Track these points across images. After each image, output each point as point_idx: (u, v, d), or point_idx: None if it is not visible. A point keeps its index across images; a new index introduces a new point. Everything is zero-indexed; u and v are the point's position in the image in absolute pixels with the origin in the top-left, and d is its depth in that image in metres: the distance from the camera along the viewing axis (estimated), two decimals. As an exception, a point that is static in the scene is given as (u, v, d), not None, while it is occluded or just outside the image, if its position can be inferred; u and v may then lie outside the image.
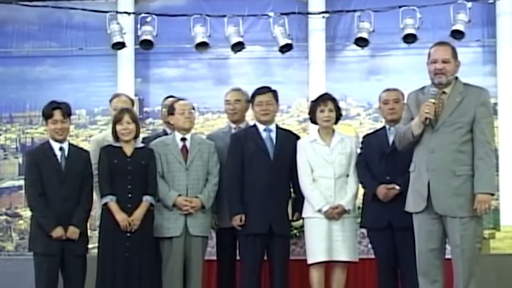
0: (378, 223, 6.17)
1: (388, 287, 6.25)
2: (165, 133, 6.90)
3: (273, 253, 6.34)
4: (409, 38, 9.45)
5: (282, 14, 9.67)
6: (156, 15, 9.76)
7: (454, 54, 5.50)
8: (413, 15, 9.40)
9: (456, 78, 5.52)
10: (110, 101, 7.14)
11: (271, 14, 9.69)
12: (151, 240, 6.31)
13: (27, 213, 7.94)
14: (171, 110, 6.59)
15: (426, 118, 5.37)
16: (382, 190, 6.12)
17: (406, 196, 5.64)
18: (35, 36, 10.36)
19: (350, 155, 6.31)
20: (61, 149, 6.26)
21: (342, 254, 6.19)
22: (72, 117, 6.47)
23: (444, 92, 5.45)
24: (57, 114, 6.23)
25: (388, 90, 6.46)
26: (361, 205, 6.44)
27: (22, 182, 8.50)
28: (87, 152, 6.50)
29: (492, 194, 5.40)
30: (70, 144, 6.37)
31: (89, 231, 6.39)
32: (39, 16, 10.28)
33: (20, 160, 10.27)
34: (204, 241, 6.51)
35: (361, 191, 6.37)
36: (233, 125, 6.82)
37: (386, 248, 6.17)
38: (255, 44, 10.01)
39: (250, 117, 6.88)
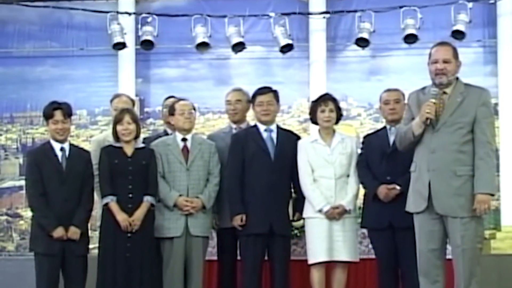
0: (379, 223, 6.17)
1: (388, 287, 6.25)
2: (166, 134, 6.90)
3: (274, 253, 6.34)
4: (410, 38, 9.45)
5: (282, 14, 9.68)
6: (157, 15, 9.76)
7: (455, 54, 5.50)
8: (414, 15, 9.40)
9: (457, 78, 5.52)
10: (111, 101, 7.15)
11: (272, 14, 9.69)
12: (152, 240, 6.31)
13: (28, 213, 7.94)
14: (171, 111, 6.59)
15: (427, 118, 5.37)
16: (382, 190, 6.12)
17: (406, 196, 5.64)
18: (36, 36, 10.36)
19: (351, 155, 6.31)
20: (62, 149, 6.26)
21: (343, 254, 6.19)
22: (72, 117, 6.47)
23: (445, 92, 5.45)
24: (58, 115, 6.23)
25: (388, 90, 6.46)
26: (361, 205, 6.45)
27: (23, 183, 8.51)
28: (88, 152, 6.50)
29: (492, 195, 5.40)
30: (71, 145, 6.37)
31: (89, 231, 6.39)
32: (40, 16, 10.28)
33: (21, 160, 10.27)
34: (205, 241, 6.52)
35: (362, 191, 6.37)
36: (234, 125, 6.82)
37: (387, 248, 6.17)
38: (255, 44, 10.01)
39: (251, 117, 6.88)
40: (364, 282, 7.27)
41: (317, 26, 9.97)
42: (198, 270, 6.42)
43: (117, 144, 6.36)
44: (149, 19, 9.70)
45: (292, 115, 10.18)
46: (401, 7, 9.44)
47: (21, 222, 10.20)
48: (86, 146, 7.45)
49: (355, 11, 9.67)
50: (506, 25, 9.76)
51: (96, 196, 6.43)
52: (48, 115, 6.27)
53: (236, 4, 9.94)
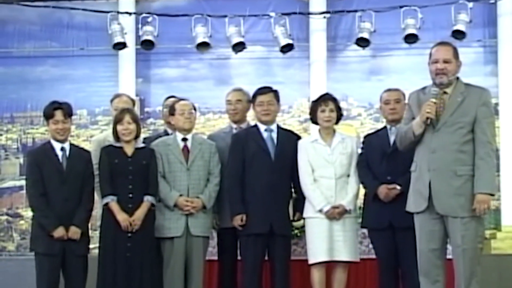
0: (379, 223, 6.17)
1: (389, 287, 6.25)
2: (166, 133, 6.90)
3: (274, 253, 6.34)
4: (410, 38, 9.45)
5: (283, 14, 9.67)
6: (157, 15, 9.76)
7: (455, 54, 5.50)
8: (414, 15, 9.40)
9: (458, 78, 5.53)
10: (111, 101, 7.15)
11: (272, 14, 9.69)
12: (152, 240, 6.31)
13: (28, 213, 7.94)
14: (171, 111, 6.59)
15: (427, 118, 5.37)
16: (383, 190, 6.12)
17: (407, 196, 5.64)
18: (36, 36, 10.36)
19: (351, 155, 6.30)
20: (62, 149, 6.26)
21: (343, 254, 6.19)
22: (73, 117, 6.48)
23: (445, 92, 5.45)
24: (58, 114, 6.23)
25: (389, 90, 6.46)
26: (362, 205, 6.45)
27: (23, 182, 8.50)
28: (88, 152, 6.50)
29: (492, 195, 5.40)
30: (71, 144, 6.37)
31: (90, 231, 6.39)
32: (40, 16, 10.28)
33: (21, 160, 10.27)
34: (205, 241, 6.52)
35: (362, 191, 6.37)
36: (234, 125, 6.82)
37: (387, 248, 6.17)
38: (256, 44, 10.01)
39: (251, 117, 6.88)
40: (364, 282, 7.28)
41: (318, 26, 9.97)
42: (199, 270, 6.42)
43: (117, 144, 6.36)
44: (150, 19, 9.70)
45: (292, 115, 10.17)
46: (401, 7, 9.44)
47: (22, 222, 10.20)
48: (86, 146, 7.46)
49: (356, 11, 9.67)
50: (507, 25, 9.75)
51: (96, 196, 6.42)
52: (48, 115, 6.27)
53: (237, 4, 9.94)
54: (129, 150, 6.34)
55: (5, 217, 10.29)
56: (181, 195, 6.38)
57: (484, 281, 5.45)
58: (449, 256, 5.54)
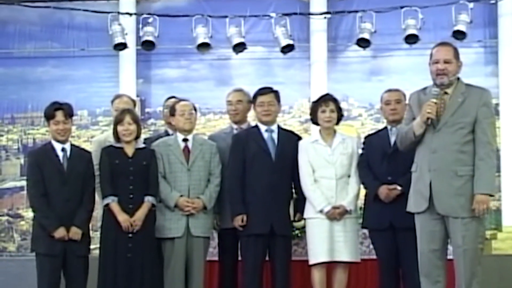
0: (380, 223, 6.17)
1: (389, 287, 6.24)
2: (167, 134, 6.90)
3: (275, 254, 6.34)
4: (411, 39, 9.46)
5: (283, 14, 9.69)
6: (158, 15, 9.77)
7: (456, 55, 5.50)
8: (415, 15, 9.41)
9: (458, 78, 5.52)
10: (112, 102, 7.16)
11: (273, 14, 9.70)
12: (153, 240, 6.31)
13: (29, 214, 7.96)
14: (172, 111, 6.60)
15: (427, 118, 5.37)
16: (383, 191, 6.12)
17: (407, 196, 5.64)
18: (36, 37, 10.37)
19: (352, 155, 6.30)
20: (63, 149, 6.26)
21: (344, 254, 6.18)
22: (74, 118, 6.47)
23: (446, 93, 5.45)
24: (59, 115, 6.23)
25: (389, 90, 6.46)
26: (362, 206, 6.44)
27: (24, 183, 8.53)
28: (89, 152, 6.50)
29: (491, 195, 5.40)
30: (72, 145, 6.37)
31: (90, 232, 6.39)
32: (40, 16, 10.29)
33: (22, 161, 10.28)
34: (206, 241, 6.52)
35: (363, 191, 6.36)
36: (234, 126, 6.82)
37: (388, 248, 6.16)
38: (256, 45, 10.02)
39: (252, 118, 6.88)
40: (365, 283, 7.28)
41: (318, 26, 9.98)
42: (199, 271, 6.42)
43: (118, 145, 6.36)
44: (150, 20, 9.72)
45: (293, 115, 10.18)
46: (402, 7, 9.45)
47: (22, 222, 10.20)
48: (87, 146, 7.46)
49: (356, 11, 9.68)
50: (507, 25, 9.76)
51: (97, 197, 6.43)
52: (49, 116, 6.27)
53: (237, 4, 9.95)
54: (129, 150, 6.34)
55: (5, 218, 10.29)
56: (181, 196, 6.38)
57: (484, 281, 5.45)
58: (449, 257, 5.53)
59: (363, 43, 9.61)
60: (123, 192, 6.24)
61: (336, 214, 6.16)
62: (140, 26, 9.72)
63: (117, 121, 6.37)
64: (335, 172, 6.23)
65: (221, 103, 7.62)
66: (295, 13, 9.84)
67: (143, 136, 6.85)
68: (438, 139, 5.40)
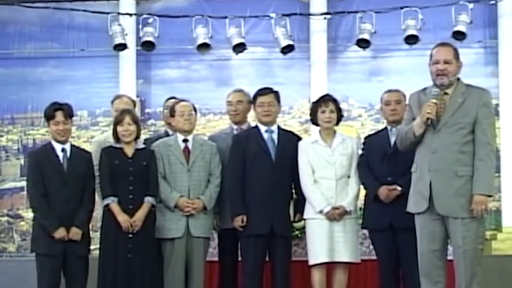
0: (380, 224, 6.17)
1: (389, 288, 6.26)
2: (167, 134, 6.90)
3: (275, 254, 6.34)
4: (411, 39, 9.46)
5: (283, 15, 9.69)
6: (158, 16, 9.77)
7: (456, 55, 5.50)
8: (415, 16, 9.41)
9: (458, 79, 5.52)
10: (112, 102, 7.16)
11: (273, 15, 9.71)
12: (153, 241, 6.31)
13: (29, 214, 7.96)
14: (172, 112, 6.60)
15: (427, 118, 5.37)
16: (383, 191, 6.12)
17: (407, 197, 5.64)
18: (36, 37, 10.38)
19: (351, 156, 6.30)
20: (63, 150, 6.26)
21: (344, 255, 6.18)
22: (73, 118, 6.47)
23: (446, 93, 5.45)
24: (59, 115, 6.23)
25: (389, 91, 6.46)
26: (362, 206, 6.44)
27: (24, 183, 8.53)
28: (89, 153, 6.50)
29: (490, 196, 5.40)
30: (72, 145, 6.37)
31: (90, 232, 6.39)
32: (40, 17, 10.29)
33: (22, 161, 10.28)
34: (206, 242, 6.52)
35: (363, 192, 6.36)
36: (235, 126, 6.82)
37: (388, 249, 6.16)
38: (256, 45, 10.03)
39: (252, 118, 6.88)
40: (365, 283, 7.28)
41: (318, 27, 9.98)
42: (199, 271, 6.42)
43: (118, 145, 6.36)
44: (150, 20, 9.72)
45: (293, 116, 10.19)
46: (402, 8, 9.46)
47: (22, 223, 10.20)
48: (87, 147, 7.47)
49: (356, 12, 9.68)
50: (507, 25, 9.76)
51: (97, 197, 6.43)
52: (49, 116, 6.27)
53: (237, 5, 9.95)
54: (129, 151, 6.34)
55: (5, 218, 10.29)
56: (181, 196, 6.38)
57: (484, 282, 5.45)
58: (449, 257, 5.53)
59: (363, 43, 9.62)
60: (123, 193, 6.24)
61: (336, 215, 6.16)
62: (140, 26, 9.73)
63: (117, 122, 6.37)
64: (335, 173, 6.23)
65: (221, 103, 7.62)
66: (295, 14, 9.85)
67: (143, 137, 6.86)
68: (438, 139, 5.40)
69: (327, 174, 6.23)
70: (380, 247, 6.24)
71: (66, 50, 10.35)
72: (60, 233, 6.08)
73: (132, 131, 6.32)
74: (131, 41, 9.80)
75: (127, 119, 6.32)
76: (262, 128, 6.48)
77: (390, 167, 6.15)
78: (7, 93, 10.43)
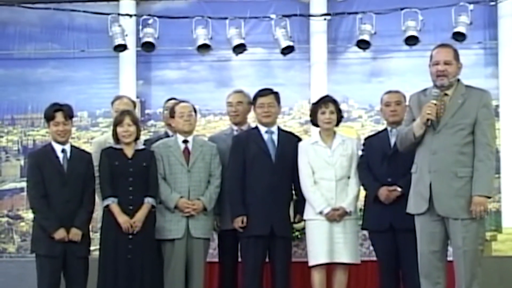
0: (380, 225, 6.17)
1: (389, 289, 6.25)
2: (167, 135, 6.90)
3: (275, 255, 6.34)
4: (411, 40, 9.47)
5: (283, 16, 9.69)
6: (158, 17, 9.78)
7: (456, 56, 5.50)
8: (415, 17, 9.42)
9: (458, 80, 5.52)
10: (112, 103, 7.16)
11: (273, 16, 9.71)
12: (153, 242, 6.31)
13: (29, 215, 7.96)
14: (171, 113, 6.60)
15: (427, 119, 5.37)
16: (383, 192, 6.12)
17: (407, 197, 5.64)
18: (37, 38, 10.38)
19: (351, 157, 6.30)
20: (63, 151, 6.26)
21: (344, 256, 6.18)
22: (73, 119, 6.47)
23: (446, 94, 5.45)
24: (59, 116, 6.23)
25: (389, 92, 6.46)
26: (362, 207, 6.44)
27: (24, 184, 8.53)
28: (89, 154, 6.51)
29: (489, 197, 5.40)
30: (72, 146, 6.37)
31: (90, 233, 6.38)
32: (41, 18, 10.30)
33: (22, 162, 10.29)
34: (206, 243, 6.52)
35: (363, 193, 6.36)
36: (235, 127, 6.82)
37: (388, 250, 6.16)
38: (256, 46, 10.04)
39: (252, 119, 6.88)
40: (365, 284, 7.28)
41: (318, 28, 9.98)
42: (199, 272, 6.42)
43: (117, 146, 6.36)
44: (150, 21, 9.72)
45: (293, 116, 10.19)
46: (402, 9, 9.46)
47: (22, 224, 10.21)
48: (87, 148, 7.48)
49: (356, 13, 9.68)
50: (507, 27, 9.77)
51: (97, 198, 6.43)
52: (49, 117, 6.27)
53: (237, 6, 9.96)
54: (129, 152, 6.34)
55: (5, 219, 10.30)
56: (181, 197, 6.38)
57: (484, 283, 5.45)
58: (449, 258, 5.53)
59: (363, 44, 9.62)
60: (123, 194, 6.24)
61: (335, 216, 6.16)
62: (140, 27, 9.73)
63: (117, 123, 6.37)
64: (334, 174, 6.23)
65: (221, 104, 7.62)
66: (295, 15, 9.85)
67: (143, 138, 6.86)
68: (438, 140, 5.40)
69: (327, 175, 6.23)
70: (380, 248, 6.24)
71: (66, 51, 10.35)
72: (60, 234, 6.08)
73: (132, 132, 6.32)
74: (131, 42, 9.80)
75: (127, 120, 6.32)
76: (262, 129, 6.48)
77: (390, 168, 6.15)
78: (7, 93, 10.44)
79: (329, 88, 9.54)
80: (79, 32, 10.33)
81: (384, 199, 6.12)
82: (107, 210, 6.25)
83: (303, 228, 6.59)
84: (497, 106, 9.55)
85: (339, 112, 6.36)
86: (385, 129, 6.39)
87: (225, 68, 10.28)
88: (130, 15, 9.90)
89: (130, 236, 6.18)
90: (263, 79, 9.91)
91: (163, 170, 6.42)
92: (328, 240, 6.16)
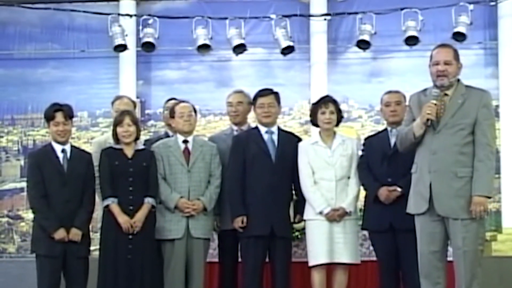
0: (380, 225, 6.17)
1: (389, 289, 6.25)
2: (167, 135, 6.90)
3: (275, 255, 6.34)
4: (411, 40, 9.47)
5: (284, 16, 9.69)
6: (158, 17, 9.78)
7: (456, 56, 5.50)
8: (415, 17, 9.42)
9: (458, 80, 5.53)
10: (112, 103, 7.16)
11: (273, 16, 9.71)
12: (153, 242, 6.31)
13: (29, 215, 7.96)
14: (171, 113, 6.60)
15: (427, 119, 5.37)
16: (383, 192, 6.12)
17: (407, 197, 5.64)
18: (37, 38, 10.39)
19: (351, 157, 6.30)
20: (63, 151, 6.26)
21: (344, 256, 6.18)
22: (74, 119, 6.47)
23: (446, 94, 5.45)
24: (59, 116, 6.23)
25: (389, 92, 6.46)
26: (362, 207, 6.44)
27: (24, 184, 8.53)
28: (89, 154, 6.51)
29: (489, 197, 5.40)
30: (72, 146, 6.37)
31: (90, 233, 6.38)
32: (41, 18, 10.30)
33: (22, 162, 10.29)
34: (206, 243, 6.51)
35: (363, 193, 6.36)
36: (235, 127, 6.82)
37: (388, 250, 6.16)
38: (256, 46, 10.04)
39: (252, 119, 6.88)
40: (365, 284, 7.28)
41: (318, 28, 9.99)
42: (199, 272, 6.42)
43: (117, 146, 6.37)
44: (150, 21, 9.72)
45: (293, 117, 10.19)
46: (402, 9, 9.46)
47: (22, 224, 10.21)
48: (87, 148, 7.48)
49: (356, 13, 9.69)
50: (507, 27, 9.77)
51: (97, 198, 6.43)
52: (49, 117, 6.27)
53: (237, 6, 9.96)
54: (129, 152, 6.34)
55: (6, 219, 10.30)
56: (182, 197, 6.38)
57: (484, 283, 5.45)
58: (449, 258, 5.54)
59: (363, 44, 9.62)
60: (123, 194, 6.24)
61: (335, 216, 6.16)
62: (140, 27, 9.73)
63: (117, 123, 6.37)
64: (334, 174, 6.23)
65: (221, 104, 7.62)
66: (295, 15, 9.85)
67: (143, 138, 6.86)
68: (438, 140, 5.40)
69: (327, 175, 6.23)
70: (380, 248, 6.24)
71: (66, 51, 10.36)
72: (60, 234, 6.08)
73: (132, 132, 6.32)
74: (131, 42, 9.80)
75: (127, 120, 6.32)
76: (262, 129, 6.48)
77: (390, 168, 6.15)
78: (7, 94, 10.44)
79: (329, 88, 9.54)
80: (79, 32, 10.33)
81: (384, 199, 6.12)
82: (107, 210, 6.25)
83: (303, 228, 6.59)
84: (497, 106, 9.55)
85: (339, 112, 6.36)
86: (385, 129, 6.39)
87: (225, 68, 10.28)
88: (130, 15, 9.90)
89: (130, 236, 6.18)
90: (263, 79, 9.91)
91: (163, 170, 6.42)
92: (328, 240, 6.16)
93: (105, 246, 6.25)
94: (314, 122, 6.40)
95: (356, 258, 6.27)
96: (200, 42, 9.63)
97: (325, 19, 9.92)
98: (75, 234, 6.11)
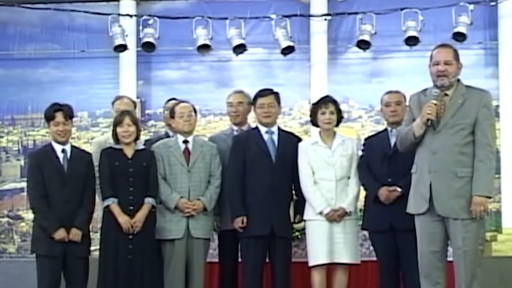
0: (380, 225, 6.17)
1: (389, 289, 6.25)
2: (167, 136, 6.90)
3: (275, 255, 6.34)
4: (411, 41, 9.47)
5: (284, 16, 9.69)
6: (158, 17, 9.77)
7: (456, 56, 5.50)
8: (415, 17, 9.41)
9: (458, 80, 5.53)
10: (112, 103, 7.16)
11: (273, 16, 9.71)
12: (153, 242, 6.31)
13: (29, 215, 7.95)
14: (171, 113, 6.60)
15: (427, 119, 5.37)
16: (383, 192, 6.12)
17: (407, 198, 5.64)
18: (37, 38, 10.39)
19: (351, 157, 6.30)
20: (63, 151, 6.26)
21: (344, 256, 6.18)
22: (74, 119, 6.47)
23: (446, 94, 5.46)
24: (59, 116, 6.24)
25: (390, 92, 6.46)
26: (362, 207, 6.44)
27: (24, 184, 8.53)
28: (89, 154, 6.51)
29: (489, 197, 5.40)
30: (72, 146, 6.37)
31: (91, 233, 6.38)
32: (41, 18, 10.30)
33: (22, 162, 10.29)
34: (206, 243, 6.52)
35: (363, 193, 6.36)
36: (235, 127, 6.82)
37: (388, 250, 6.16)
38: (257, 47, 10.03)
39: (252, 119, 6.88)
40: (365, 284, 7.28)
41: (318, 28, 9.98)
42: (199, 272, 6.42)
43: (117, 146, 6.37)
44: (150, 21, 9.72)
45: (293, 117, 10.19)
46: (402, 9, 9.46)
47: (22, 224, 10.21)
48: (87, 148, 7.48)
49: (356, 13, 9.68)
50: (507, 27, 9.77)
51: (97, 198, 6.43)
52: (49, 117, 6.27)
53: (237, 6, 9.96)
54: (129, 152, 6.34)
55: (6, 219, 10.30)
56: (182, 197, 6.38)
57: (485, 283, 5.45)
58: (449, 258, 5.54)
59: (363, 44, 9.62)
60: (123, 194, 6.24)
61: (335, 216, 6.16)
62: (141, 27, 9.73)
63: (117, 123, 6.37)
64: (335, 174, 6.23)
65: (222, 104, 7.62)
66: (296, 15, 9.85)
67: (143, 138, 6.86)
68: (438, 140, 5.40)
69: (327, 175, 6.23)
70: (380, 248, 6.25)
71: (66, 51, 10.36)
72: (60, 234, 6.08)
73: (132, 132, 6.32)
74: (131, 42, 9.80)
75: (127, 120, 6.32)
76: (262, 129, 6.48)
77: (390, 168, 6.15)
78: (8, 94, 10.44)
79: (329, 88, 9.54)
80: (79, 32, 10.33)
81: (384, 199, 6.12)
82: (107, 210, 6.25)
83: (303, 228, 6.60)
84: (497, 106, 9.54)
85: (339, 112, 6.36)
86: (385, 129, 6.39)
87: (225, 68, 10.28)
88: (130, 15, 9.90)
89: (130, 236, 6.18)
90: (263, 79, 9.91)
91: (163, 170, 6.42)
92: (328, 241, 6.16)
93: (105, 246, 6.25)
94: (314, 122, 6.40)
95: (356, 258, 6.28)
96: (200, 42, 9.63)
97: (325, 19, 9.92)
98: (75, 234, 6.12)
